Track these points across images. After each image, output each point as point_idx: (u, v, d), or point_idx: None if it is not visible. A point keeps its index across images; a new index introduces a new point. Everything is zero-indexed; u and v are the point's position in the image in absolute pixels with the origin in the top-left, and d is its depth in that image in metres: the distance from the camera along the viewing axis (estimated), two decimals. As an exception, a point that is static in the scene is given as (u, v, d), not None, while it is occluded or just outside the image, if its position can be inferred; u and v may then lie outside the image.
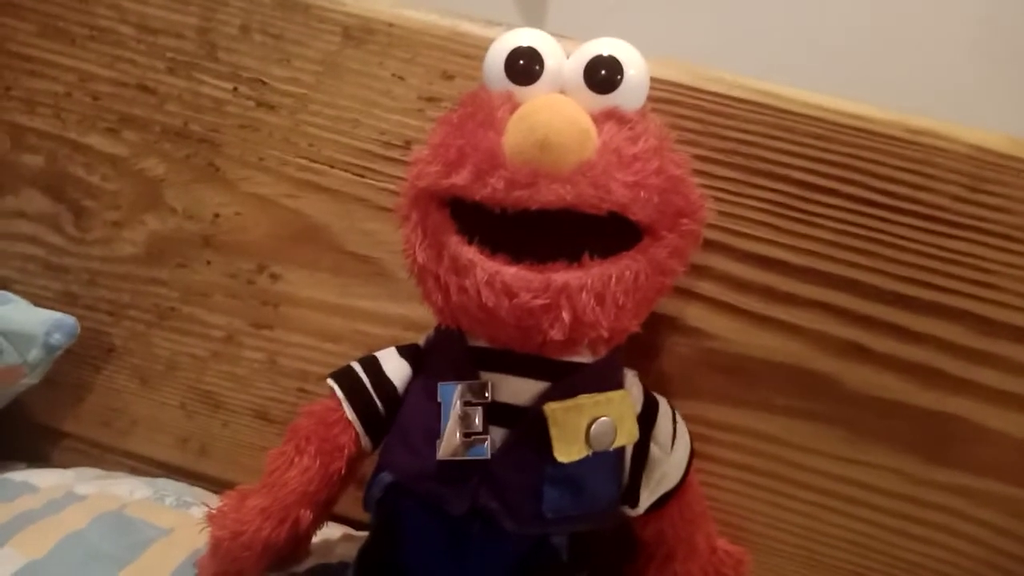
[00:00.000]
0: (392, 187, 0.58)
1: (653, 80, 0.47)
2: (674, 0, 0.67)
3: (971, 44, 0.61)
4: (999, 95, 0.61)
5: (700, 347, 0.56)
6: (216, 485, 0.62)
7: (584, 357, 0.46)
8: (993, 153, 0.51)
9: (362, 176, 0.59)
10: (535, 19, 0.68)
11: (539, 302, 0.42)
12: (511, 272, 0.42)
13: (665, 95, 0.53)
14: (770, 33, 0.66)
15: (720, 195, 0.54)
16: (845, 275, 0.54)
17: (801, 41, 0.65)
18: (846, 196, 0.53)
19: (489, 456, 0.43)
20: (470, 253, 0.43)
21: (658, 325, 0.55)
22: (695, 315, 0.56)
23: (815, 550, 0.58)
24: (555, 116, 0.42)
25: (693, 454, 0.52)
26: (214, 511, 0.49)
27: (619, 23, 0.61)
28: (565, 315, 0.42)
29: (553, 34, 0.46)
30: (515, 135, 0.42)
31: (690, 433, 0.52)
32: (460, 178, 0.42)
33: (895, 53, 0.63)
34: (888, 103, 0.53)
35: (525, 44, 0.44)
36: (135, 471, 0.66)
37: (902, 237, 0.53)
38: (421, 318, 0.49)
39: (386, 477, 0.47)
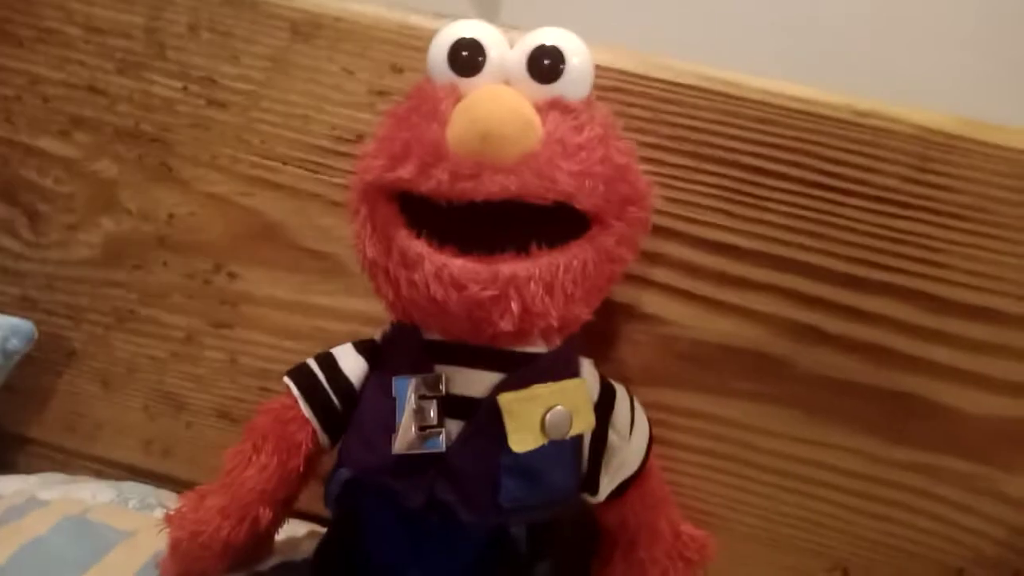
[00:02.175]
0: (345, 182, 0.58)
1: (601, 68, 0.47)
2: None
3: (931, 25, 0.61)
4: (952, 79, 0.62)
5: (656, 334, 0.57)
6: (181, 486, 0.61)
7: (538, 347, 0.46)
8: (939, 133, 0.52)
9: (315, 172, 0.59)
10: (489, 11, 0.67)
11: (488, 293, 0.42)
12: (459, 264, 0.42)
13: (613, 83, 0.53)
14: (729, 19, 0.66)
15: (671, 182, 0.54)
16: (797, 258, 0.54)
17: (757, 27, 0.65)
18: (796, 180, 0.53)
19: (444, 449, 0.44)
20: (418, 246, 0.43)
21: (614, 313, 0.56)
22: (650, 302, 0.56)
23: (776, 531, 0.58)
24: (497, 107, 0.42)
25: (652, 440, 0.52)
26: (172, 512, 0.49)
27: (574, 13, 0.60)
28: (514, 306, 0.43)
29: (506, 25, 0.46)
30: (458, 127, 0.42)
31: (649, 419, 0.53)
32: (405, 171, 0.42)
33: (854, 37, 0.63)
34: (843, 87, 0.53)
35: (468, 35, 0.44)
36: (100, 475, 0.66)
37: (852, 219, 0.54)
38: (379, 313, 0.49)
39: (344, 473, 0.47)
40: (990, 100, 0.54)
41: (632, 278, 0.55)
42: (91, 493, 0.60)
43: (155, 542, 0.53)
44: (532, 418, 0.44)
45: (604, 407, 0.50)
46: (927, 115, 0.52)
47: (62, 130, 0.62)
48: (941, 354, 0.54)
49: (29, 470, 0.66)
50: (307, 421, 0.48)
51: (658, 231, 0.53)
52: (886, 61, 0.60)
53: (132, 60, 0.60)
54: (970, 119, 0.52)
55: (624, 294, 0.56)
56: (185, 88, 0.60)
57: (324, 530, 0.51)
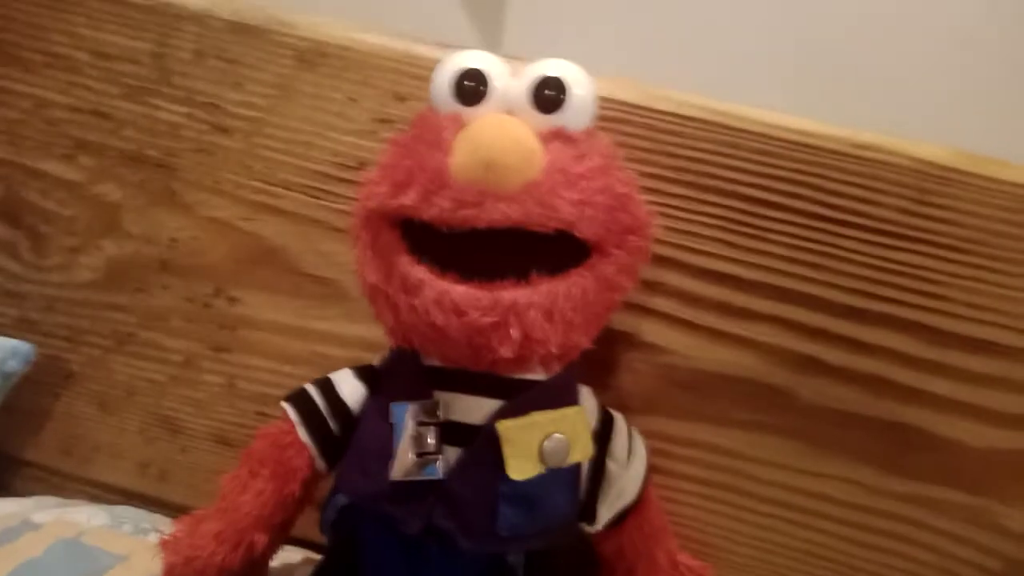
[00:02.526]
0: (347, 208, 0.58)
1: (603, 99, 0.48)
2: (631, 19, 0.68)
3: (930, 59, 0.62)
4: (955, 111, 0.62)
5: (657, 363, 0.57)
6: (176, 511, 0.61)
7: (537, 374, 0.46)
8: (938, 166, 0.53)
9: (317, 198, 0.59)
10: (492, 40, 0.68)
11: (488, 320, 0.42)
12: (460, 290, 0.43)
13: (615, 114, 0.54)
14: (729, 52, 0.67)
15: (672, 212, 0.54)
16: (797, 289, 0.55)
17: (758, 59, 0.66)
18: (796, 211, 0.54)
19: (442, 476, 0.44)
20: (420, 272, 0.44)
21: (615, 341, 0.56)
22: (651, 331, 0.56)
23: (775, 562, 0.58)
24: (500, 136, 0.42)
25: (651, 469, 0.52)
26: (168, 537, 0.49)
27: (575, 44, 0.61)
28: (514, 332, 0.43)
29: (509, 56, 0.47)
30: (461, 155, 0.42)
31: (648, 448, 0.52)
32: (408, 198, 0.43)
33: (853, 71, 0.63)
34: (843, 120, 0.54)
35: (472, 66, 0.45)
36: (95, 498, 0.65)
37: (852, 250, 0.54)
38: (379, 338, 0.49)
39: (341, 499, 0.47)
40: (989, 134, 0.55)
41: (632, 307, 0.55)
42: (86, 516, 0.59)
43: (149, 566, 0.52)
44: (530, 446, 0.44)
45: (603, 435, 0.50)
46: (926, 148, 0.53)
47: (67, 153, 0.63)
48: (941, 386, 0.54)
49: (24, 492, 0.65)
50: (305, 446, 0.48)
51: (658, 260, 0.54)
52: (886, 94, 0.60)
53: (138, 85, 0.61)
54: (969, 152, 0.53)
55: (624, 322, 0.56)
56: (190, 114, 0.61)
57: (319, 557, 0.51)
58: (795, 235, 0.54)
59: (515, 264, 0.43)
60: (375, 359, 0.51)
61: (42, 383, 0.65)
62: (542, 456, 0.44)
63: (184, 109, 0.61)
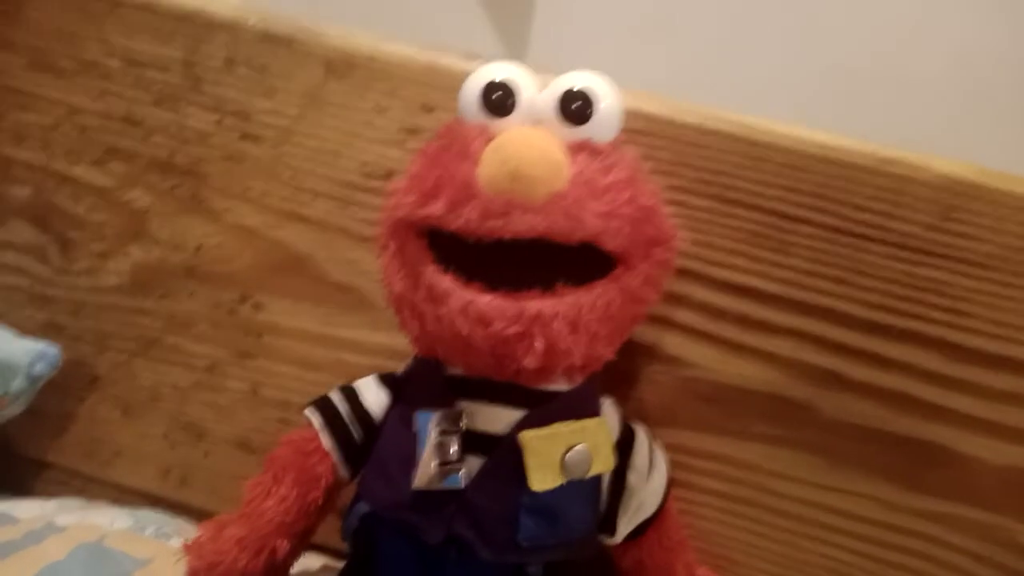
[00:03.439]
0: (374, 217, 0.58)
1: (629, 112, 0.48)
2: (655, 33, 0.69)
3: (942, 79, 0.62)
4: (971, 130, 0.62)
5: (678, 375, 0.57)
6: (198, 515, 0.61)
7: (560, 385, 0.46)
8: (963, 182, 0.52)
9: (344, 207, 0.60)
10: (518, 52, 0.69)
11: (513, 330, 0.43)
12: (485, 300, 0.43)
13: (641, 126, 0.54)
14: (755, 66, 0.67)
15: (696, 225, 0.54)
16: (820, 303, 0.55)
17: (778, 74, 0.66)
18: (819, 225, 0.54)
19: (464, 485, 0.44)
20: (446, 282, 0.44)
21: (636, 354, 0.56)
22: (673, 343, 0.56)
23: (794, 577, 0.58)
24: (527, 148, 0.42)
25: (671, 482, 0.52)
26: (191, 541, 0.49)
27: (600, 56, 0.62)
28: (538, 343, 0.43)
29: (534, 67, 0.47)
30: (489, 166, 0.42)
31: (668, 461, 0.52)
32: (435, 208, 0.43)
33: (871, 88, 0.64)
34: (863, 136, 0.54)
35: (499, 77, 0.45)
36: (118, 501, 0.66)
37: (875, 265, 0.54)
38: (403, 347, 0.50)
39: (362, 507, 0.47)
40: (1016, 151, 0.55)
41: (655, 319, 0.55)
42: (108, 520, 0.60)
43: (171, 571, 0.53)
44: (552, 456, 0.44)
45: (624, 447, 0.50)
46: (951, 164, 0.53)
47: (97, 159, 0.64)
48: (963, 403, 0.54)
49: (47, 495, 0.66)
50: (328, 454, 0.49)
51: (682, 273, 0.54)
52: (911, 110, 0.60)
53: (169, 93, 0.62)
54: (994, 169, 0.53)
55: (646, 335, 0.56)
56: (219, 121, 0.61)
57: (338, 564, 0.51)
58: (818, 249, 0.54)
59: (540, 275, 0.43)
60: (399, 367, 0.51)
61: (67, 386, 0.66)
62: (564, 467, 0.44)
63: (214, 117, 0.61)
